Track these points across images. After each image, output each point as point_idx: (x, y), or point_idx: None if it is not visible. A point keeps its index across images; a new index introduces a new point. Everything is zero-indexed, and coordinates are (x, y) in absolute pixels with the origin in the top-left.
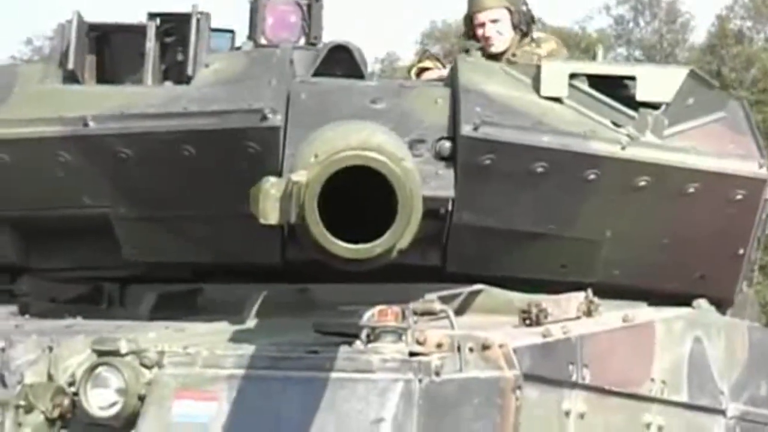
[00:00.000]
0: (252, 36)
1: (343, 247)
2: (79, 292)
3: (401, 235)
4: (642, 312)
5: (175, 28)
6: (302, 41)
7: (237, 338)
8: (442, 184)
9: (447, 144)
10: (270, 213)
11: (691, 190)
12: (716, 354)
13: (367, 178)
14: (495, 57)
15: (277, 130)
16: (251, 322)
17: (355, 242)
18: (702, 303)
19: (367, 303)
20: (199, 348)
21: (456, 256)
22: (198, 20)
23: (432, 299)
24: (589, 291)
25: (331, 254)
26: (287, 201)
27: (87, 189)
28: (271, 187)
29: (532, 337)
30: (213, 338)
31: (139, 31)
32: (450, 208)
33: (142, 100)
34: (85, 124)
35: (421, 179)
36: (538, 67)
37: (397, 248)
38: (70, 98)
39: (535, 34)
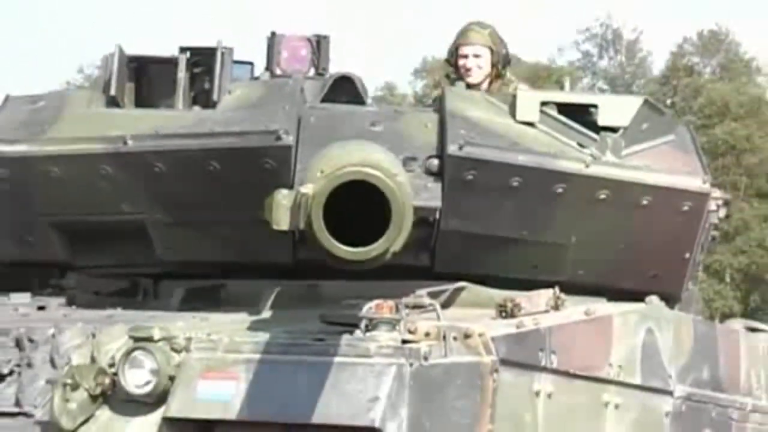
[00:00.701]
0: (269, 67)
1: (343, 250)
2: (118, 287)
3: (394, 240)
4: (602, 306)
5: (202, 60)
6: (312, 72)
7: (254, 327)
8: (431, 195)
9: (435, 161)
10: (282, 220)
11: (645, 202)
12: (665, 343)
13: (365, 191)
14: (470, 87)
15: (289, 149)
16: (266, 314)
17: (355, 245)
18: (654, 299)
19: (367, 297)
20: (221, 335)
21: (443, 258)
22: (222, 54)
23: (422, 295)
24: (557, 288)
25: (334, 255)
26: (296, 210)
27: (125, 198)
28: (283, 198)
29: (507, 327)
30: (233, 327)
31: (171, 62)
32: (438, 216)
33: (174, 122)
34: (125, 143)
35: (413, 191)
36: (514, 96)
37: (390, 251)
38: (111, 120)
39: (519, 88)
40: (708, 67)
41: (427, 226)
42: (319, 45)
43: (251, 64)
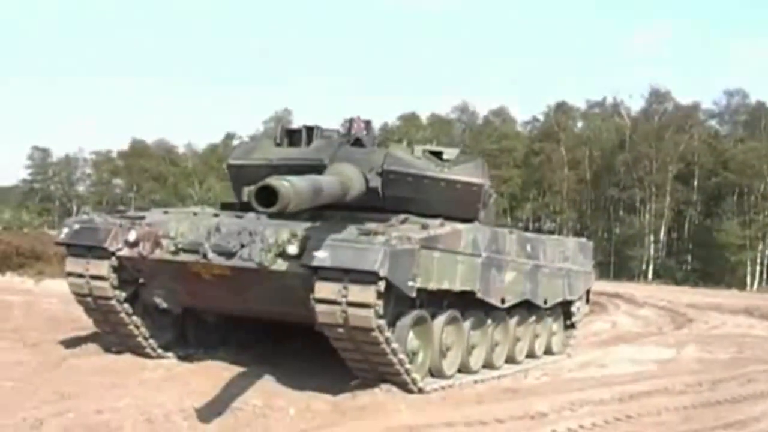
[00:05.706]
0: (348, 132)
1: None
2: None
3: (283, 207)
4: (457, 225)
5: (312, 130)
6: (365, 134)
7: (333, 230)
8: (377, 183)
9: (381, 170)
10: None
11: (459, 186)
12: (480, 237)
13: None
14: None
15: (326, 165)
16: (338, 225)
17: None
18: (476, 222)
19: (374, 221)
20: (323, 234)
21: (388, 204)
22: (315, 127)
23: (393, 221)
24: (441, 219)
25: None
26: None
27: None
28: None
29: (423, 233)
30: (328, 230)
31: (300, 130)
32: (381, 191)
33: (300, 153)
34: (278, 160)
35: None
36: (413, 148)
37: (288, 210)
38: (276, 151)
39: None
40: (496, 131)
41: (377, 192)
42: (368, 123)
43: (337, 131)
